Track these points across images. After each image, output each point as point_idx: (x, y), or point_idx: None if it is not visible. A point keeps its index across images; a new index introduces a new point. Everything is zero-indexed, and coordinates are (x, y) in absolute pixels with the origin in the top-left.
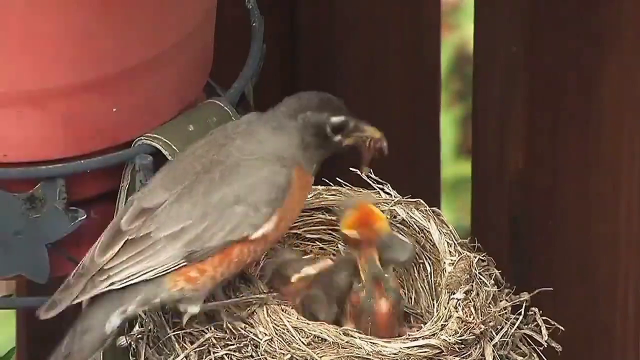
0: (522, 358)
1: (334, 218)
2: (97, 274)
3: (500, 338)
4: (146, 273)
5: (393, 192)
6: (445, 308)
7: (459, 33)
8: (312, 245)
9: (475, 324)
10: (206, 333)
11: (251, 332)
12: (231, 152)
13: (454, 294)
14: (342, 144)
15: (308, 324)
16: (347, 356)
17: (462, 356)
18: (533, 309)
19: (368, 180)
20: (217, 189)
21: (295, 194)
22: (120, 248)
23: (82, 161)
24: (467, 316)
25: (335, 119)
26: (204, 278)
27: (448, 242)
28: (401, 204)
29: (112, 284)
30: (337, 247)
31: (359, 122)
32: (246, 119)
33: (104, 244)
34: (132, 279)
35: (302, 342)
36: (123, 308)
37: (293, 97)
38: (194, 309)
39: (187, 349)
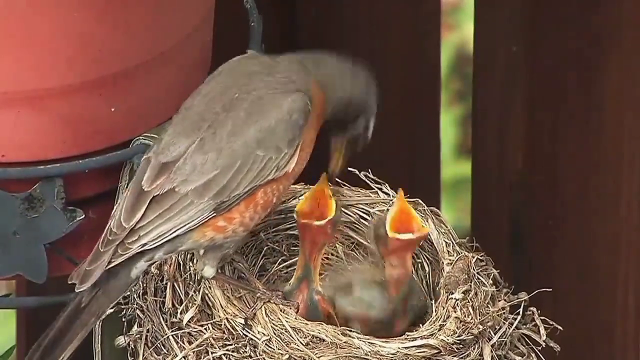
0: (520, 358)
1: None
2: (127, 236)
3: (499, 338)
4: (177, 230)
5: (391, 192)
6: (444, 308)
7: (459, 33)
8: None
9: (474, 324)
10: (204, 333)
11: (249, 332)
12: (258, 86)
13: (452, 294)
14: (344, 135)
15: (306, 324)
16: (346, 356)
17: (461, 356)
18: (531, 308)
19: (366, 180)
20: (240, 131)
21: (311, 123)
22: (146, 208)
23: (81, 161)
24: (465, 316)
25: (373, 122)
26: (232, 225)
27: (446, 242)
28: None
29: (144, 244)
30: (336, 246)
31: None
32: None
33: (129, 207)
34: (163, 238)
35: (300, 342)
36: (151, 255)
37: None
38: (209, 272)
39: (185, 349)
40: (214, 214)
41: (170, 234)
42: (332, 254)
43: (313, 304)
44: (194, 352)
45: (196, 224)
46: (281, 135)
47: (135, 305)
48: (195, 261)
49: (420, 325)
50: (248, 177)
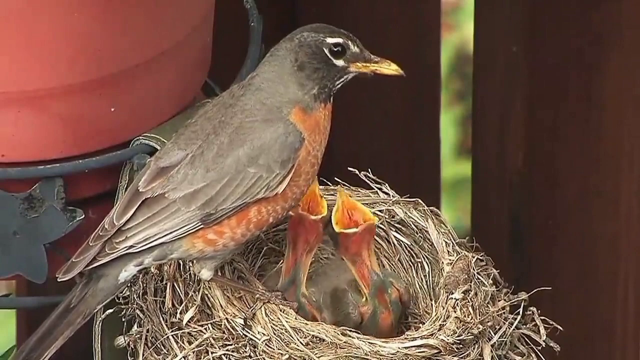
0: (520, 358)
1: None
2: (114, 235)
3: (499, 338)
4: (164, 236)
5: (391, 192)
6: (444, 308)
7: (459, 33)
8: None
9: (474, 324)
10: (204, 333)
11: (249, 333)
12: (236, 113)
13: (452, 293)
14: (347, 71)
15: (306, 324)
16: (345, 356)
17: (461, 356)
18: (531, 308)
19: (366, 180)
20: (229, 152)
21: (310, 140)
22: (136, 209)
23: (81, 161)
24: (465, 316)
25: (332, 40)
26: (223, 240)
27: (446, 242)
28: (399, 203)
29: (131, 246)
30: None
31: (364, 50)
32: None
33: (123, 206)
34: (149, 242)
35: (300, 342)
36: (140, 260)
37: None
38: (206, 274)
39: (185, 349)
40: (201, 225)
41: (156, 239)
42: (332, 255)
43: (300, 306)
44: (194, 352)
45: (182, 233)
46: (274, 156)
47: (135, 305)
48: (192, 263)
49: (418, 320)
50: (236, 192)
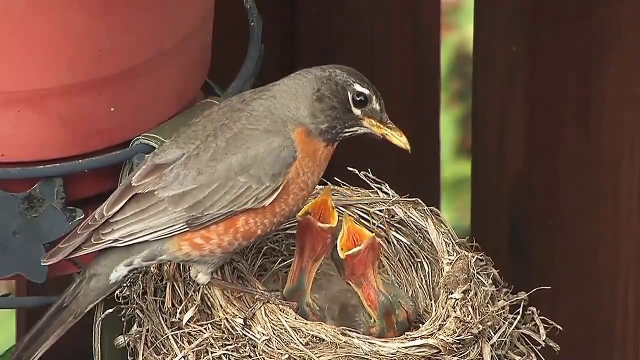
0: (520, 358)
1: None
2: (102, 226)
3: (499, 338)
4: (149, 234)
5: (391, 192)
6: (444, 308)
7: (459, 33)
8: None
9: (474, 324)
10: (204, 333)
11: (249, 333)
12: (241, 118)
13: (452, 293)
14: (360, 123)
15: (306, 324)
16: (345, 356)
17: (461, 356)
18: (531, 308)
19: (366, 180)
20: (223, 157)
21: (302, 163)
22: (126, 203)
23: (81, 161)
24: (465, 316)
25: (360, 88)
26: (210, 246)
27: (446, 242)
28: (399, 203)
29: (116, 240)
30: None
31: (384, 112)
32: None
33: (114, 199)
34: (135, 238)
35: (300, 342)
36: (129, 260)
37: None
38: (203, 279)
39: (185, 349)
40: (187, 228)
41: (141, 236)
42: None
43: (303, 313)
44: (194, 352)
45: (168, 234)
46: (266, 169)
47: (135, 305)
48: (189, 268)
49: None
50: (224, 200)
